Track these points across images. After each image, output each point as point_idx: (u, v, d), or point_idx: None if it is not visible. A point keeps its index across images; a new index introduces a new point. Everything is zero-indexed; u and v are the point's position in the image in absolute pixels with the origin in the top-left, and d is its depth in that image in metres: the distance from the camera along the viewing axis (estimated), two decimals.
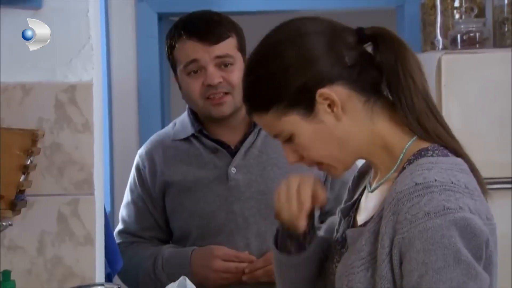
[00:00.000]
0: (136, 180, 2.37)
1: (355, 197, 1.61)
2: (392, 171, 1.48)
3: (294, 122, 1.48)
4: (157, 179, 2.33)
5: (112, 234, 2.19)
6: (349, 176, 2.30)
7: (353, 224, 1.57)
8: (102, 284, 1.88)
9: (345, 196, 1.68)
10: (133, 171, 2.39)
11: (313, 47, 1.47)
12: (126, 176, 3.52)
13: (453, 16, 3.38)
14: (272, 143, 2.28)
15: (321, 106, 1.46)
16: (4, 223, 1.83)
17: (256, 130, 2.29)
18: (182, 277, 1.77)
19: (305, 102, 1.46)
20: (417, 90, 1.48)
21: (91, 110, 1.90)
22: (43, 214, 1.89)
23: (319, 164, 1.53)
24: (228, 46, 2.24)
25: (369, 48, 1.51)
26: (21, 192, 1.83)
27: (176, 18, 3.97)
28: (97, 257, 1.92)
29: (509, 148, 3.06)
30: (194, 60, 2.23)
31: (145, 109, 3.78)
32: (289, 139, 1.50)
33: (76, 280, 1.88)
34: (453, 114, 3.10)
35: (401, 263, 1.38)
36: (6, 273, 1.79)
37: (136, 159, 2.39)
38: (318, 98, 1.45)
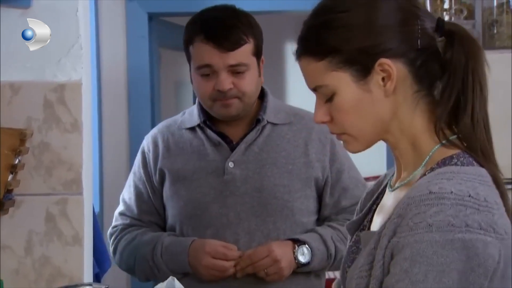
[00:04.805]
0: (140, 162, 2.39)
1: (364, 210, 1.58)
2: (416, 172, 1.45)
3: (343, 80, 1.43)
4: (158, 164, 2.34)
5: (101, 234, 2.19)
6: (350, 183, 2.30)
7: (369, 227, 1.55)
8: (90, 284, 1.87)
9: (357, 208, 1.64)
10: (138, 154, 2.41)
11: (390, 15, 1.44)
12: (116, 176, 3.50)
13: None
14: (274, 142, 2.29)
15: (376, 76, 1.43)
16: None
17: (259, 127, 2.30)
18: (170, 277, 1.77)
19: (362, 65, 1.43)
20: (481, 98, 1.46)
21: (80, 110, 1.89)
22: (31, 214, 1.89)
23: (341, 134, 1.48)
24: (243, 53, 2.23)
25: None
26: (9, 191, 1.83)
27: (166, 18, 3.99)
28: (85, 257, 1.92)
29: (509, 150, 3.05)
30: (207, 65, 2.23)
31: (135, 108, 3.77)
32: (329, 99, 1.45)
33: (64, 280, 1.88)
34: None
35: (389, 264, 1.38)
36: None
37: (143, 142, 2.41)
38: (376, 67, 1.42)
